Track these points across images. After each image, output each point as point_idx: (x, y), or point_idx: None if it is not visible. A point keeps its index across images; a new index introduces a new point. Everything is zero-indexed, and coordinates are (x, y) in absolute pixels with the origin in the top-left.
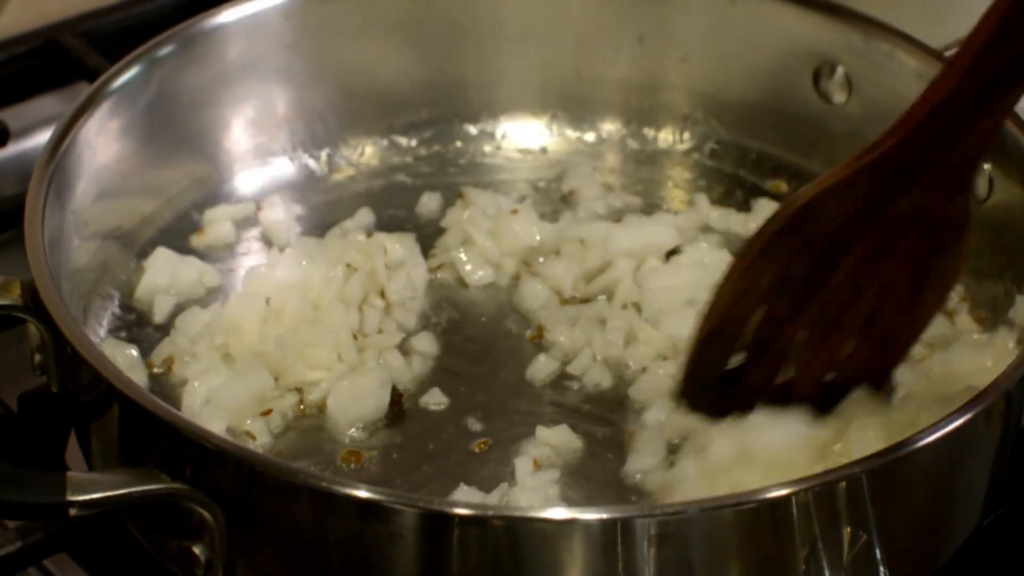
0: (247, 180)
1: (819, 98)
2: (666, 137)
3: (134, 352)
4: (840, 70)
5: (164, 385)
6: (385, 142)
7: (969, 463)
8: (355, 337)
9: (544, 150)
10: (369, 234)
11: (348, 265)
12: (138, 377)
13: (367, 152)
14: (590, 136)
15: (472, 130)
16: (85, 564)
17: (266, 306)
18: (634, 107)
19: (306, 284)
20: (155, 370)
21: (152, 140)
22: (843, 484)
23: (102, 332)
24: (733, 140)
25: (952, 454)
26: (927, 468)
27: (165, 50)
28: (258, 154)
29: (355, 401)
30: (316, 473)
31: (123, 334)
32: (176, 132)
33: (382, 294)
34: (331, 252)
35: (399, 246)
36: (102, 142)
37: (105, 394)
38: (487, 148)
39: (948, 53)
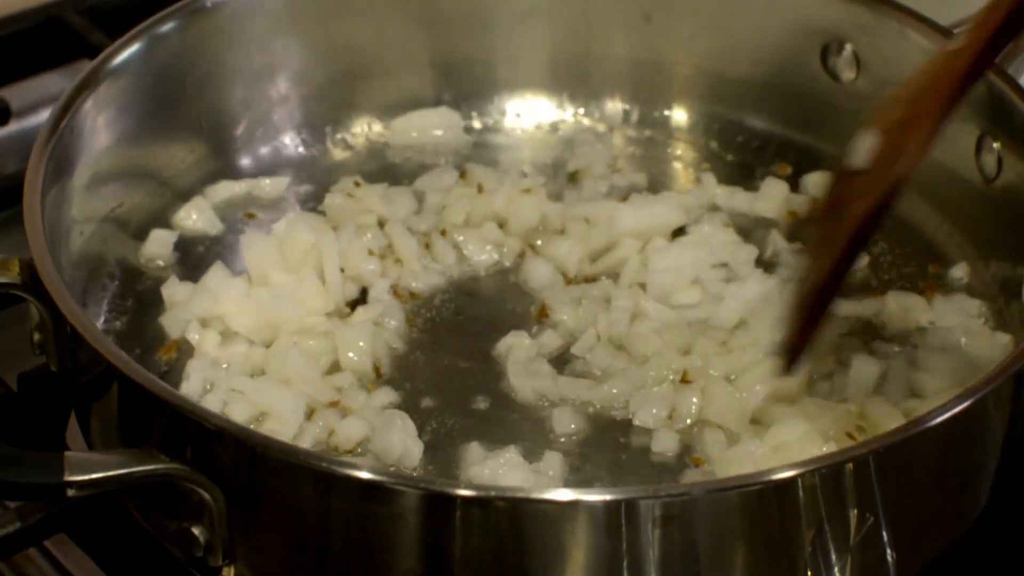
0: (248, 158)
1: (827, 76)
2: (673, 116)
3: None
4: (848, 48)
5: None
6: (389, 120)
7: (977, 445)
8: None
9: (550, 129)
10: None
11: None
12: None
13: (371, 130)
14: (596, 115)
15: (477, 109)
16: (85, 545)
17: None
18: (641, 86)
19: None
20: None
21: (153, 117)
22: (850, 465)
23: (102, 311)
24: (740, 119)
25: (960, 436)
26: (935, 450)
27: (167, 27)
28: (260, 132)
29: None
30: (317, 453)
31: (122, 314)
32: (177, 109)
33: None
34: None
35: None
36: (103, 119)
37: (105, 374)
38: (492, 127)
39: (957, 31)
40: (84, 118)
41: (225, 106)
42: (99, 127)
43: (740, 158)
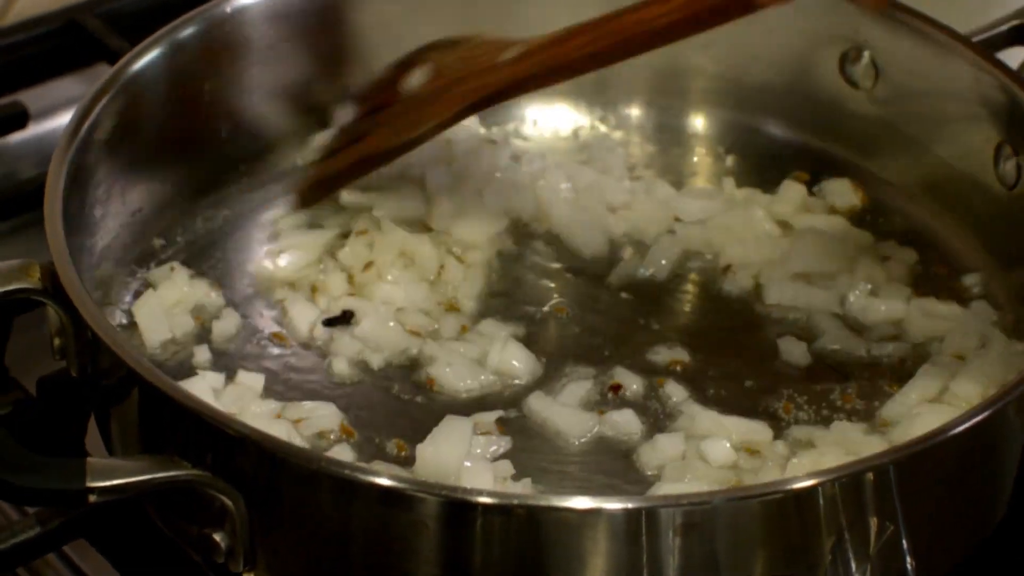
0: (266, 164)
1: (845, 83)
2: (691, 123)
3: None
4: (867, 55)
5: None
6: None
7: (997, 454)
8: None
9: (568, 136)
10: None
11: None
12: None
13: None
14: (614, 122)
15: (495, 115)
16: (104, 550)
17: None
18: (659, 93)
19: None
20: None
21: (172, 123)
22: (870, 475)
23: (122, 316)
24: (758, 126)
25: (980, 445)
26: (955, 459)
27: (186, 32)
28: (279, 138)
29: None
30: (338, 460)
31: None
32: (196, 115)
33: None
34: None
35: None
36: (122, 124)
37: (125, 379)
38: (511, 133)
39: (975, 38)
40: (104, 123)
41: (244, 112)
42: (119, 132)
43: (758, 165)
